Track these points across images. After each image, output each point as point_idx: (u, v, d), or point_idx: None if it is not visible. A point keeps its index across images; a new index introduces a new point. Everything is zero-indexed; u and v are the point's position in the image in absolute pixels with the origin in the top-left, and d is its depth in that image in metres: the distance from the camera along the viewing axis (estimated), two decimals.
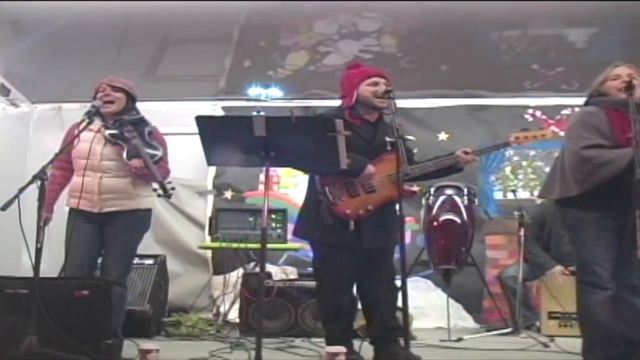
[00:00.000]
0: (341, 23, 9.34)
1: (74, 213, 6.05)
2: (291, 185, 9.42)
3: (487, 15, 9.19)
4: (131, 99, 6.19)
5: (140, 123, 6.14)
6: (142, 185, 6.02)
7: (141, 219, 6.17)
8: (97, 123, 6.02)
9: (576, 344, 5.57)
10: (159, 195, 5.83)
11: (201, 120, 5.12)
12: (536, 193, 9.14)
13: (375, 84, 5.86)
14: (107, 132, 6.00)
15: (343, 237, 5.75)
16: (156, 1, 8.47)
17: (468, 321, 8.97)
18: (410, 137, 6.34)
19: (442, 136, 9.49)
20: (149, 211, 6.21)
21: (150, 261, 7.92)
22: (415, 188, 6.08)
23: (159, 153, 6.06)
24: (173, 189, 5.83)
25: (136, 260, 7.19)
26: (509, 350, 6.87)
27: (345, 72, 6.19)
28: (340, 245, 5.78)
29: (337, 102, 6.24)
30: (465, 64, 9.55)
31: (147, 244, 7.16)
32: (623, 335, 5.23)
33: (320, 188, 5.79)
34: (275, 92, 9.61)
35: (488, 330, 8.18)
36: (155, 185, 5.84)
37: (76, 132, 5.94)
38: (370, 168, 5.75)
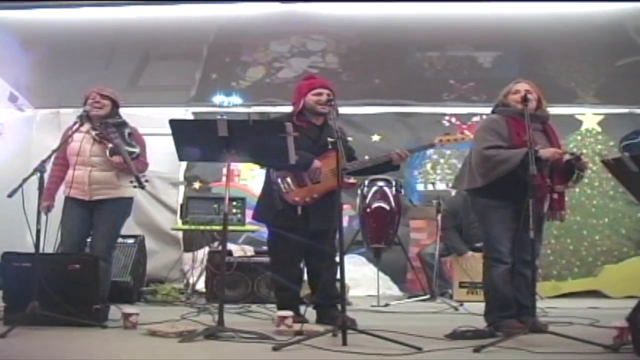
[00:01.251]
0: (293, 43, 9.41)
1: (69, 200, 6.07)
2: (249, 178, 9.41)
3: (413, 39, 9.34)
4: (115, 105, 6.21)
5: (122, 125, 6.15)
6: (125, 177, 6.02)
7: (124, 205, 6.20)
8: (86, 125, 6.05)
9: (480, 307, 5.68)
10: (134, 187, 5.86)
11: (174, 123, 5.20)
12: (451, 185, 9.26)
13: (320, 94, 5.93)
14: (94, 132, 6.04)
15: (293, 221, 5.84)
16: (139, 20, 8.53)
17: (394, 290, 9.03)
18: (349, 138, 6.42)
19: (375, 137, 9.53)
20: (131, 199, 6.24)
21: (131, 240, 7.90)
22: (352, 180, 6.17)
23: (137, 150, 6.07)
24: (147, 181, 5.85)
25: (120, 240, 7.16)
26: (426, 313, 7.01)
27: (300, 82, 6.26)
28: (290, 227, 5.85)
29: (289, 109, 6.27)
30: (394, 79, 9.66)
31: (129, 226, 7.17)
32: (516, 300, 5.40)
33: (273, 179, 5.86)
34: (236, 99, 9.61)
35: (410, 297, 8.29)
36: (131, 177, 5.87)
37: (70, 132, 6.00)
38: (317, 163, 5.84)
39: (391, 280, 9.08)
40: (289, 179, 5.86)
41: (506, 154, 5.27)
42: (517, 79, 5.72)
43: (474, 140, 5.64)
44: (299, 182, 5.88)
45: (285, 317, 5.34)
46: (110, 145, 5.95)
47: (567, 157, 5.44)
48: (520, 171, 5.12)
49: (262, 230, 7.68)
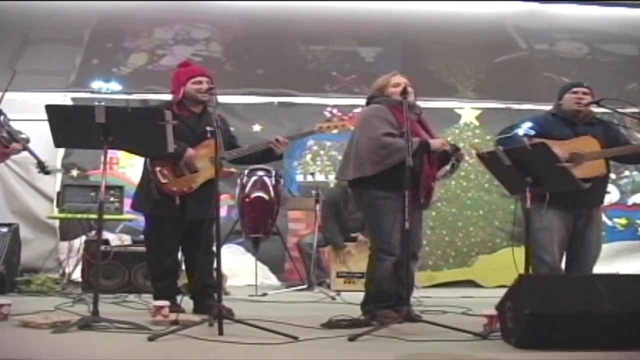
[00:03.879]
0: (177, 31, 9.39)
1: None
2: (128, 166, 9.24)
3: (297, 32, 9.40)
4: None
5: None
6: None
7: None
8: None
9: (357, 297, 5.76)
10: (39, 172, 5.72)
11: (50, 108, 5.08)
12: (331, 177, 9.34)
13: (200, 82, 5.87)
14: None
15: (170, 210, 5.79)
16: (20, 1, 8.29)
17: (272, 280, 9.05)
18: (231, 128, 6.40)
19: (257, 127, 9.50)
20: None
21: (4, 229, 7.65)
22: (232, 169, 6.15)
23: (27, 136, 5.94)
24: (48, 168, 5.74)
25: None
26: (304, 303, 7.07)
27: (176, 70, 6.19)
28: (167, 217, 5.82)
29: (170, 97, 6.17)
30: (278, 69, 9.75)
31: (3, 214, 6.99)
32: (396, 292, 5.47)
33: (150, 169, 5.81)
34: (115, 86, 9.45)
35: (288, 287, 8.37)
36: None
37: None
38: (190, 151, 5.79)
39: (269, 270, 9.09)
40: (166, 169, 5.80)
41: (402, 142, 5.26)
42: (394, 72, 5.81)
43: (361, 129, 5.63)
44: (177, 173, 5.82)
45: (161, 307, 5.30)
46: (3, 134, 5.77)
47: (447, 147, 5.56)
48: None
49: (140, 220, 7.57)
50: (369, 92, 5.89)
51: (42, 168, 5.67)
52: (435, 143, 5.45)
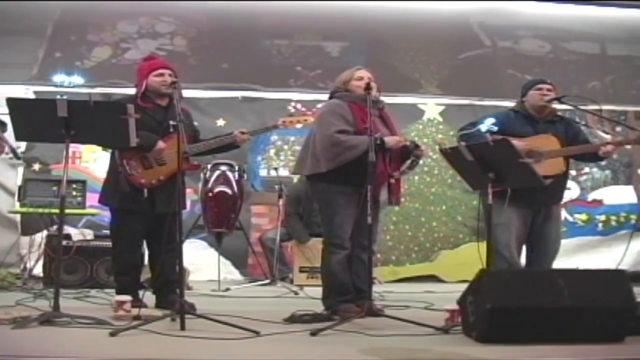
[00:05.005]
0: (141, 24, 9.33)
1: None
2: (91, 160, 9.15)
3: (263, 27, 9.39)
4: None
5: None
6: None
7: None
8: None
9: (320, 291, 5.76)
10: (10, 158, 5.69)
11: (10, 101, 5.03)
12: (292, 171, 9.34)
13: (162, 74, 5.88)
14: None
15: (138, 203, 5.78)
16: None
17: (235, 275, 9.04)
18: (195, 123, 6.39)
19: (220, 122, 9.44)
20: None
21: None
22: (196, 163, 6.15)
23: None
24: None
25: None
26: (267, 298, 7.06)
27: (140, 63, 6.19)
28: (135, 211, 5.81)
29: (134, 91, 6.14)
30: (242, 64, 9.69)
31: None
32: (353, 284, 5.51)
33: (119, 161, 5.78)
34: (77, 79, 9.37)
35: (251, 282, 8.35)
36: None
37: None
38: (160, 144, 5.79)
39: (232, 265, 9.08)
40: (134, 161, 5.79)
41: (355, 140, 5.33)
42: (359, 66, 5.82)
43: (317, 125, 5.66)
44: (145, 164, 5.82)
45: (123, 302, 5.28)
46: None
47: (406, 143, 5.58)
48: (363, 157, 5.20)
49: (103, 214, 7.55)
50: (333, 86, 5.89)
51: (15, 154, 5.65)
52: (389, 140, 5.45)
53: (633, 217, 9.93)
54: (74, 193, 7.98)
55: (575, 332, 4.37)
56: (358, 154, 5.30)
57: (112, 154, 5.95)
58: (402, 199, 9.05)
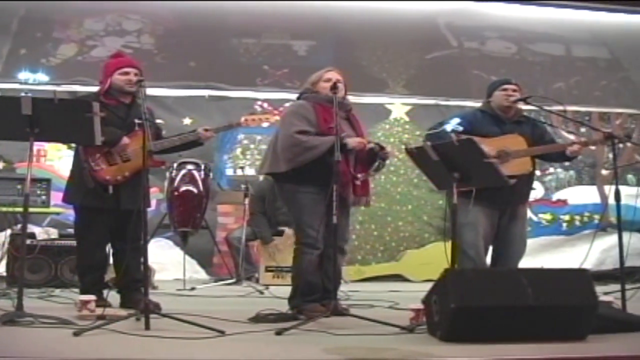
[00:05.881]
0: (108, 22, 9.30)
1: None
2: (56, 158, 9.10)
3: (229, 25, 9.37)
4: None
5: None
6: None
7: None
8: None
9: (285, 291, 5.77)
10: None
11: None
12: (257, 171, 9.34)
13: (127, 73, 5.85)
14: None
15: (103, 200, 5.74)
16: None
17: (201, 274, 9.03)
18: (159, 121, 6.35)
19: (187, 121, 9.41)
20: None
21: None
22: (161, 159, 6.14)
23: None
24: None
25: None
26: (232, 297, 7.08)
27: (107, 60, 6.18)
28: (100, 208, 5.77)
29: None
30: (209, 62, 9.70)
31: None
32: (322, 285, 5.51)
33: (83, 157, 5.73)
34: (42, 77, 9.30)
35: (217, 281, 8.36)
36: None
37: None
38: (125, 139, 5.76)
39: (198, 264, 9.08)
40: (98, 157, 5.74)
41: (315, 141, 5.36)
42: (328, 67, 5.82)
43: (280, 124, 5.69)
44: (109, 160, 5.77)
45: (87, 302, 5.24)
46: None
47: (370, 145, 5.60)
48: (327, 157, 5.23)
49: (68, 213, 7.48)
50: (302, 87, 5.90)
51: None
52: (351, 142, 5.47)
53: (596, 217, 10.04)
54: (39, 191, 7.91)
55: (538, 331, 4.40)
56: (318, 155, 5.33)
57: (76, 151, 5.91)
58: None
